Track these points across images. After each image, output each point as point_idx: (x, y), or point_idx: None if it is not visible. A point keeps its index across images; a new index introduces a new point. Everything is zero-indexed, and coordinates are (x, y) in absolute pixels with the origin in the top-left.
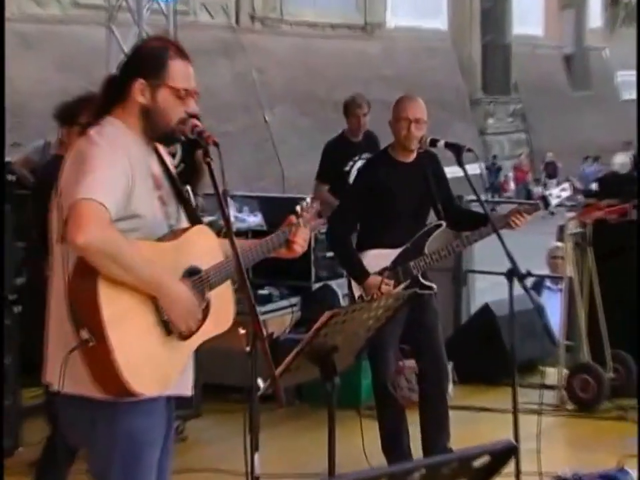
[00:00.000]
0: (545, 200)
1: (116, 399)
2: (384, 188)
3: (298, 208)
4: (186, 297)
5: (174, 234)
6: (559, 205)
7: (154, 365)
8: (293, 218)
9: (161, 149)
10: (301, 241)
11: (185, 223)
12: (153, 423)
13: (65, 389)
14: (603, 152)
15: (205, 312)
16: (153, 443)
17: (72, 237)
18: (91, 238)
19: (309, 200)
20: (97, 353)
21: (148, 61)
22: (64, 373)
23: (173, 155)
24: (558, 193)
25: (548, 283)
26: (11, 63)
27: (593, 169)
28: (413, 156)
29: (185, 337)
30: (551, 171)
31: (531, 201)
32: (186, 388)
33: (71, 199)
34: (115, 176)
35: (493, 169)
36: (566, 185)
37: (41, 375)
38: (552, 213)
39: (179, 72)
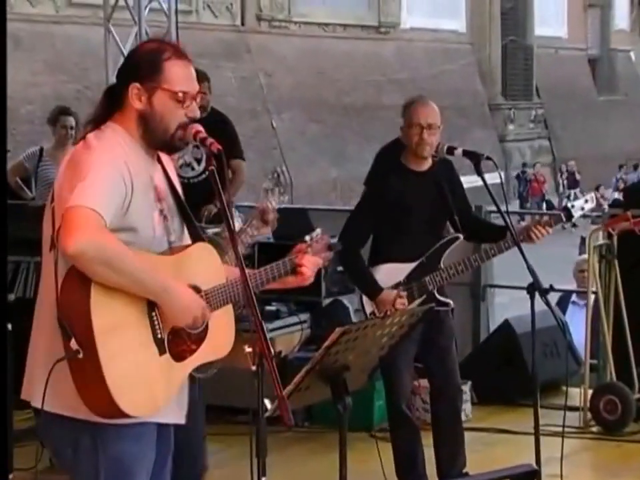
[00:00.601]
0: (567, 211)
1: (101, 418)
2: (397, 198)
3: (307, 238)
4: (190, 297)
5: (172, 251)
6: (583, 216)
7: (144, 384)
8: (301, 246)
9: (165, 160)
10: (311, 265)
11: (188, 240)
12: (141, 449)
13: (48, 407)
14: (631, 160)
15: (203, 335)
16: (141, 471)
17: (64, 245)
18: (83, 245)
19: (319, 231)
20: (85, 365)
21: (142, 63)
22: (45, 388)
23: (198, 161)
24: (582, 204)
25: (574, 297)
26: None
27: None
28: (427, 164)
29: (179, 358)
30: (571, 182)
31: (554, 212)
32: (179, 415)
33: (64, 206)
34: (112, 182)
35: (523, 177)
36: (590, 196)
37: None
38: (574, 225)
39: (176, 74)
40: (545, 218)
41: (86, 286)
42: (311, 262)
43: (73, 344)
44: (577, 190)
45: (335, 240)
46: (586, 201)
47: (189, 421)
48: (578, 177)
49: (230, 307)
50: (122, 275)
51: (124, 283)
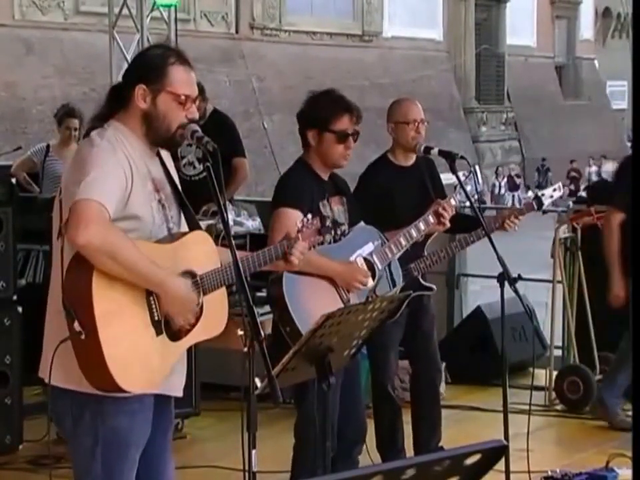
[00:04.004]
0: (538, 200)
1: (103, 392)
2: (385, 193)
3: (299, 224)
4: (185, 293)
5: (172, 237)
6: (551, 211)
7: (141, 363)
8: (290, 234)
9: (164, 154)
10: (298, 253)
11: (185, 228)
12: (136, 422)
13: (55, 382)
14: (593, 160)
15: (197, 316)
16: (136, 441)
17: (72, 237)
18: (90, 237)
19: (309, 216)
20: (87, 346)
21: (149, 67)
22: (52, 364)
23: (200, 160)
24: (550, 193)
25: None
26: (14, 69)
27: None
28: (412, 159)
29: (175, 338)
30: (511, 185)
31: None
32: (176, 389)
33: (71, 199)
34: (114, 176)
35: (542, 170)
36: (558, 186)
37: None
38: (544, 212)
39: (179, 78)
40: (518, 207)
41: (88, 273)
42: (298, 249)
43: (76, 326)
44: (518, 192)
45: None
46: (554, 190)
47: (352, 387)
48: (518, 181)
49: (224, 289)
50: (124, 266)
51: (125, 274)
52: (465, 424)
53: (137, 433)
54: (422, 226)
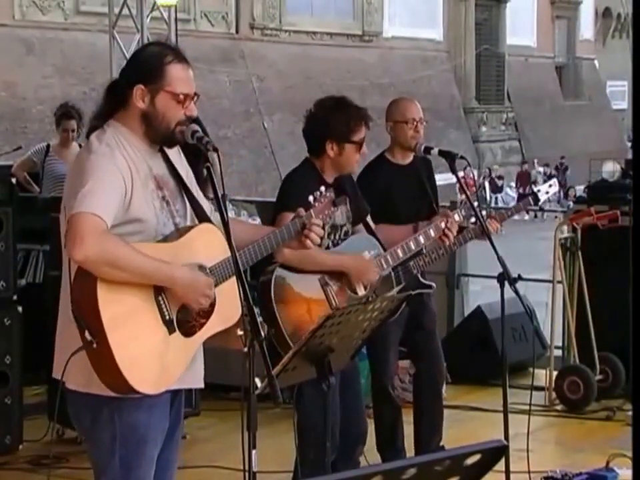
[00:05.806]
0: (534, 195)
1: (121, 395)
2: (385, 192)
3: (311, 198)
4: (194, 276)
5: (179, 232)
6: (550, 211)
7: (155, 363)
8: (301, 211)
9: (173, 149)
10: (313, 235)
11: (195, 221)
12: (153, 417)
13: (73, 386)
14: (593, 160)
15: (211, 308)
16: (154, 437)
17: (70, 252)
18: (86, 251)
19: (322, 189)
20: (99, 353)
21: (146, 66)
22: (64, 370)
23: None
24: (546, 189)
25: None
26: (14, 69)
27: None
28: (410, 158)
29: (190, 334)
30: (494, 187)
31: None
32: (197, 381)
33: (69, 212)
34: (112, 183)
35: (561, 168)
36: (553, 182)
37: (52, 370)
38: (541, 209)
39: (177, 77)
40: (516, 204)
41: (92, 283)
42: (314, 232)
43: (87, 335)
44: (502, 194)
45: None
46: (550, 186)
47: (352, 388)
48: (500, 182)
49: (234, 278)
50: (128, 271)
51: (131, 278)
52: (465, 424)
53: (154, 428)
54: (422, 239)
